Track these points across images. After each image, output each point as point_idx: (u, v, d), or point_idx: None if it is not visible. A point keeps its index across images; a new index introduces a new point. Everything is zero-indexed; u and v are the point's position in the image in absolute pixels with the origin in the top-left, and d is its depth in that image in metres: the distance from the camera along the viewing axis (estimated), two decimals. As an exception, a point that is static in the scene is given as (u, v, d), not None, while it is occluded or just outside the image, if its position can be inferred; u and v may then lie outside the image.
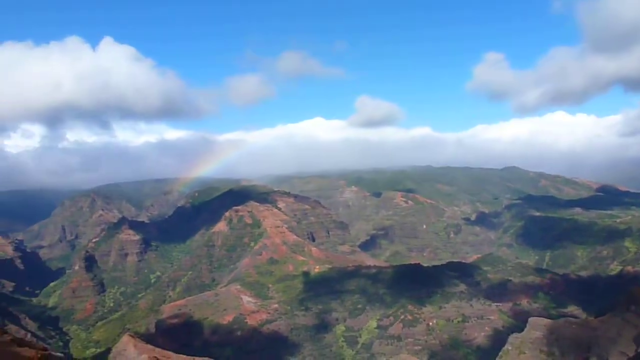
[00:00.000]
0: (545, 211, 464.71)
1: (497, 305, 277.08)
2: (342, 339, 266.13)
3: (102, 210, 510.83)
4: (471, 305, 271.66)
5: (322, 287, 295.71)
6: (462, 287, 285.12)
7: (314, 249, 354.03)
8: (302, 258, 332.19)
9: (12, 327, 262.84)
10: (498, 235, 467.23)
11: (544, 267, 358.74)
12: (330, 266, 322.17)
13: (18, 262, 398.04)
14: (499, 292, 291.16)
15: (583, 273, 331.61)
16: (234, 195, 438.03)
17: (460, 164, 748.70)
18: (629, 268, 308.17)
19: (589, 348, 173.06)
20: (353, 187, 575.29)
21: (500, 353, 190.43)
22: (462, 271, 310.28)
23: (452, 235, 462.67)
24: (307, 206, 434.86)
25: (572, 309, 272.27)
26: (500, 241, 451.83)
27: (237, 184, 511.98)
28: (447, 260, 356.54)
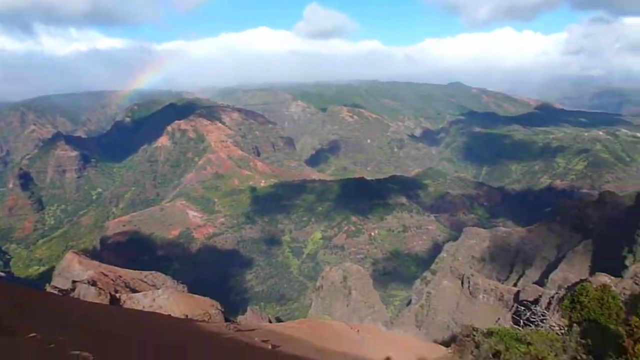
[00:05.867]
0: (486, 127, 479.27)
1: (435, 216, 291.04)
2: (288, 249, 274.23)
3: (35, 124, 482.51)
4: (411, 216, 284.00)
5: (269, 202, 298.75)
6: (403, 199, 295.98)
7: (259, 163, 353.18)
8: (247, 173, 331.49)
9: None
10: (440, 150, 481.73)
11: (481, 180, 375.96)
12: (276, 181, 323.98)
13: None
14: (437, 204, 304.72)
15: (516, 186, 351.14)
16: (176, 109, 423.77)
17: (406, 79, 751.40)
18: (558, 182, 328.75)
19: (516, 254, 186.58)
20: (299, 101, 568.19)
21: (436, 260, 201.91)
22: (403, 184, 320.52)
23: (395, 149, 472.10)
24: (252, 120, 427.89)
25: (505, 219, 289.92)
26: (441, 156, 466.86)
27: (179, 97, 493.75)
28: (390, 174, 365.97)
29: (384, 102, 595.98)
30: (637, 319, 12.23)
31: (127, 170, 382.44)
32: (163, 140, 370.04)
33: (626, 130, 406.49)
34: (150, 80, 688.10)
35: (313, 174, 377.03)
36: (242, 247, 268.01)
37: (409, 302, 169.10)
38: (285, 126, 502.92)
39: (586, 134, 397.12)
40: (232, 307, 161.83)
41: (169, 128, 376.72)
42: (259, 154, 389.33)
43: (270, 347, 17.77)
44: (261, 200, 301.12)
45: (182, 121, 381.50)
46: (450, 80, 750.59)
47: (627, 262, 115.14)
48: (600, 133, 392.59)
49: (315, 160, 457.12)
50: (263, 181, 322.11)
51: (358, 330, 27.29)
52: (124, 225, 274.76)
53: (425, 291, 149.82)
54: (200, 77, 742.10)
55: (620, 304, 17.42)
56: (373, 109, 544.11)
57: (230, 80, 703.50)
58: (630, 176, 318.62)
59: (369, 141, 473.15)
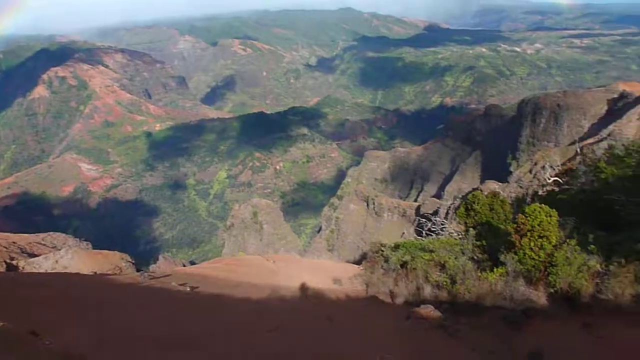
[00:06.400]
0: (378, 52, 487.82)
1: (337, 144, 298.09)
2: (194, 192, 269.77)
3: None
4: (314, 146, 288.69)
5: (167, 146, 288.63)
6: (305, 130, 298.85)
7: (152, 106, 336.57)
8: (140, 117, 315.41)
9: None
10: (336, 77, 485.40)
11: (377, 104, 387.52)
12: (172, 123, 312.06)
13: None
14: (338, 131, 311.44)
15: (410, 107, 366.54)
16: (49, 55, 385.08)
17: (297, 7, 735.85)
18: (448, 99, 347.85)
19: (414, 172, 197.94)
20: (187, 36, 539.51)
21: (341, 185, 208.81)
22: (303, 115, 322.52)
23: (292, 80, 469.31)
24: (138, 61, 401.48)
25: (402, 140, 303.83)
26: (337, 83, 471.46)
27: (51, 42, 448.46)
28: (290, 106, 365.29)
29: (276, 32, 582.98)
30: (523, 216, 13.63)
31: (2, 127, 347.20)
32: (40, 91, 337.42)
33: (505, 46, 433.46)
34: (12, 24, 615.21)
35: (210, 113, 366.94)
36: (145, 196, 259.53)
37: (320, 229, 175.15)
38: (175, 65, 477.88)
39: (471, 51, 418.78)
40: (143, 257, 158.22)
41: (44, 76, 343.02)
42: (150, 97, 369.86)
43: (188, 289, 17.77)
44: (159, 145, 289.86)
45: (58, 67, 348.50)
46: (340, 5, 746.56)
47: (511, 168, 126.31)
48: (484, 50, 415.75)
49: (211, 98, 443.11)
50: (158, 125, 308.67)
51: (274, 261, 28.02)
52: (8, 188, 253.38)
53: (334, 216, 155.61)
54: (74, 16, 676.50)
55: (508, 207, 19.27)
56: (266, 40, 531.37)
57: (108, 18, 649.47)
58: (511, 89, 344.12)
59: (264, 74, 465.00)
